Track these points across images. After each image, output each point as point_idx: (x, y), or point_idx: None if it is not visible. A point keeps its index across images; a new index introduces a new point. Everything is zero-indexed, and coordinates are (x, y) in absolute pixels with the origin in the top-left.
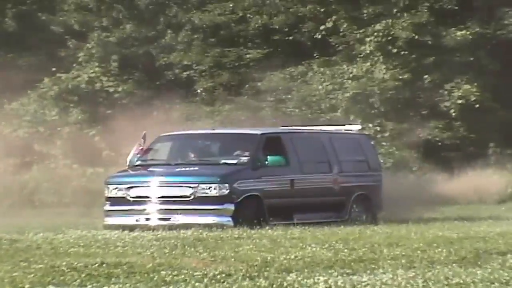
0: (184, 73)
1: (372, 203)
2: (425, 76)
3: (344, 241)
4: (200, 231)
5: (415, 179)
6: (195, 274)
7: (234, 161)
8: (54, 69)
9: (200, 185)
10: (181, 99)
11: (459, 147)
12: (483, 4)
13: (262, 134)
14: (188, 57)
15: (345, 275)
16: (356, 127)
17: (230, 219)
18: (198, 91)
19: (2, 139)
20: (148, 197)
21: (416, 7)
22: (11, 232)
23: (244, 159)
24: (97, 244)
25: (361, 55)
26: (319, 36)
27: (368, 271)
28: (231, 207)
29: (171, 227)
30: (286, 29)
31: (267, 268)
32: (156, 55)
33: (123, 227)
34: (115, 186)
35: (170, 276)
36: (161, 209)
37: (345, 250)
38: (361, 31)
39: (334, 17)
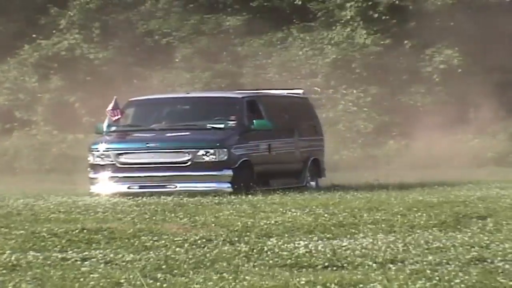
0: (164, 39)
1: (320, 169)
2: (406, 41)
3: (324, 206)
4: (181, 196)
5: (395, 143)
6: (175, 239)
7: (221, 126)
8: (34, 35)
9: (199, 150)
10: (161, 66)
11: (440, 111)
12: None
13: (243, 97)
14: (167, 24)
15: (325, 239)
16: (299, 92)
17: (229, 185)
18: (177, 60)
19: None
20: (142, 163)
21: None
22: None
23: (231, 123)
24: (78, 210)
25: (342, 21)
26: (299, 3)
27: (349, 236)
28: (230, 172)
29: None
30: None
31: (248, 233)
32: (136, 22)
33: (112, 195)
34: (101, 153)
35: (151, 242)
36: (157, 175)
37: (325, 215)
38: None
39: None
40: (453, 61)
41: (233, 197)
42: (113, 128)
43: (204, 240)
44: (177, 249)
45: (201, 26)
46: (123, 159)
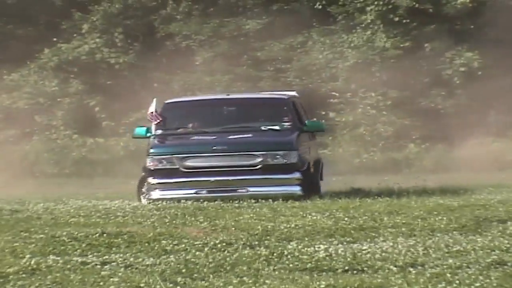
0: (184, 43)
1: (322, 171)
2: (426, 44)
3: (345, 210)
4: (201, 200)
5: (415, 147)
6: (195, 243)
7: (277, 127)
8: (55, 39)
9: (271, 153)
10: (182, 70)
11: (460, 114)
12: None
13: (289, 98)
14: (187, 27)
15: (345, 243)
16: (293, 93)
17: (299, 188)
18: (197, 63)
19: (2, 110)
20: (210, 167)
21: None
22: (11, 203)
23: (286, 125)
24: (98, 214)
25: (362, 25)
26: (319, 6)
27: (369, 239)
28: (299, 175)
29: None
30: None
31: (268, 237)
32: (157, 26)
33: (176, 200)
34: (163, 157)
35: (171, 246)
36: (227, 180)
37: (346, 219)
38: (361, 0)
39: None
40: (473, 64)
41: (253, 200)
42: (160, 132)
43: (224, 244)
44: (197, 253)
45: (221, 29)
46: (188, 163)
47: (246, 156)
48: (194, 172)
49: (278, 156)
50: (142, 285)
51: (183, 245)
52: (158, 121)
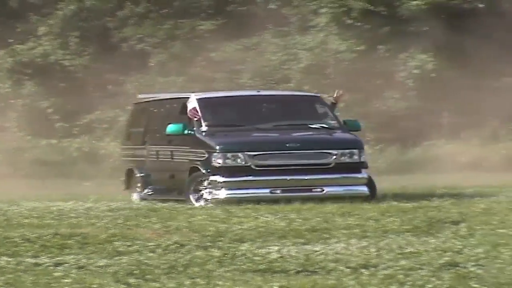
0: (138, 45)
1: None
2: (380, 46)
3: (297, 211)
4: (154, 201)
5: (369, 149)
6: (148, 244)
7: (326, 125)
8: (11, 40)
9: (344, 151)
10: (136, 71)
11: (414, 116)
12: None
13: (320, 95)
14: (141, 30)
15: (298, 244)
16: None
17: (366, 188)
18: (151, 64)
19: None
20: (283, 165)
21: None
22: None
23: (332, 123)
24: (51, 215)
25: (317, 27)
26: (273, 7)
27: (321, 241)
28: (366, 175)
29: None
30: (240, 0)
31: (221, 238)
32: (111, 29)
33: (248, 200)
34: (232, 154)
35: (124, 247)
36: (303, 179)
37: (298, 220)
38: (315, 2)
39: None
40: (427, 66)
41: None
42: (206, 128)
43: (177, 245)
44: (150, 254)
45: (175, 31)
46: (262, 161)
47: (321, 154)
48: (267, 170)
49: (349, 155)
50: (94, 286)
51: (136, 246)
52: (198, 117)
